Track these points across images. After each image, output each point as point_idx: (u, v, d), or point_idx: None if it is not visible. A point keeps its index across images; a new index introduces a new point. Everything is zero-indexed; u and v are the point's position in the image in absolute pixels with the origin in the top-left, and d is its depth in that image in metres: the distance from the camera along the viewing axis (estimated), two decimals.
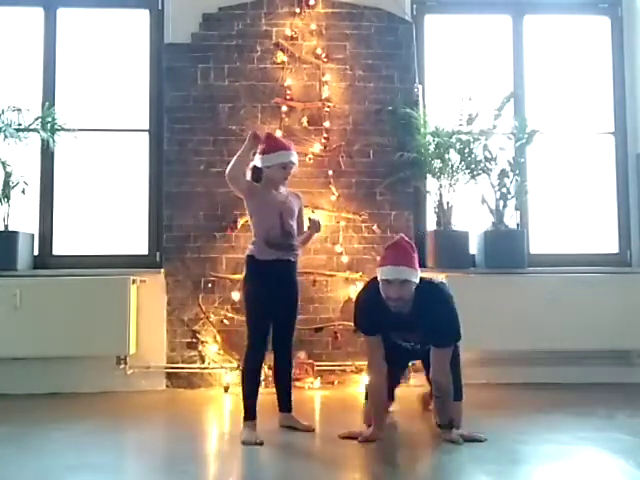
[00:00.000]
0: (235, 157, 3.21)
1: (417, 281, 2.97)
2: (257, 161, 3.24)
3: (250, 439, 3.08)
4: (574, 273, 4.61)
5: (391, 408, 3.53)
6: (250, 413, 3.17)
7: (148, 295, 4.51)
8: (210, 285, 4.51)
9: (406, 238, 3.09)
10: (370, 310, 3.08)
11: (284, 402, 3.33)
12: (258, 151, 3.24)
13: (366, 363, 3.28)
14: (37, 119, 4.49)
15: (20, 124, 4.46)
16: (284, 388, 3.33)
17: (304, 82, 4.70)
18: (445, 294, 3.13)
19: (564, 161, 4.97)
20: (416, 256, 3.02)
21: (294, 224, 3.27)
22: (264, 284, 3.17)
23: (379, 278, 2.99)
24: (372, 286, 3.10)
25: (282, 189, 3.30)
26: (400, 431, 3.43)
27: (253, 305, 3.20)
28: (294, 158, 3.26)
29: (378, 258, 3.35)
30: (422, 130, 4.62)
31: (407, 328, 3.04)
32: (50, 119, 4.51)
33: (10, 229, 4.43)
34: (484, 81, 4.89)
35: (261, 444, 3.05)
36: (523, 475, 2.76)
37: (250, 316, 3.21)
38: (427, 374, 3.29)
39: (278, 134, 4.57)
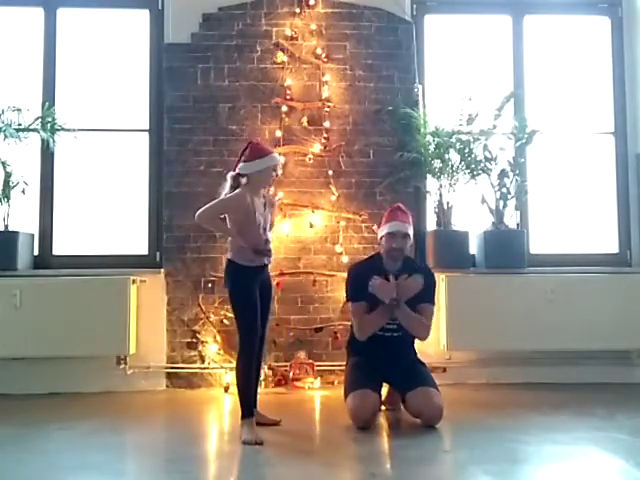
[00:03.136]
0: (218, 225, 3.37)
1: (412, 237, 3.60)
2: (246, 168, 3.27)
3: (250, 439, 3.09)
4: (574, 273, 4.61)
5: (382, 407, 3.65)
6: (248, 410, 3.20)
7: (148, 295, 4.51)
8: (210, 285, 4.50)
9: (403, 205, 3.71)
10: (363, 272, 3.58)
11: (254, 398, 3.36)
12: (244, 159, 3.29)
13: (355, 323, 3.58)
14: (37, 119, 4.49)
15: (20, 124, 4.45)
16: (256, 385, 3.35)
17: (304, 82, 4.70)
18: (430, 269, 3.80)
19: (564, 161, 4.98)
20: (411, 218, 3.65)
21: (268, 231, 3.39)
22: (253, 287, 3.26)
23: (385, 233, 3.54)
24: (365, 258, 3.83)
25: (262, 194, 3.38)
26: (400, 431, 3.43)
27: (245, 308, 3.24)
28: (281, 160, 3.42)
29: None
30: (422, 130, 4.62)
31: None
32: (50, 119, 4.51)
33: (10, 229, 4.43)
34: (484, 81, 4.89)
35: (261, 444, 3.06)
36: (523, 475, 2.76)
37: (242, 318, 3.25)
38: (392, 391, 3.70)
39: (278, 134, 4.59)
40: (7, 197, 4.44)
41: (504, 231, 4.60)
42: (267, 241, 3.32)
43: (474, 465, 2.77)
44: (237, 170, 3.30)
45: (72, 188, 4.76)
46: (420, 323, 3.50)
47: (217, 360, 4.45)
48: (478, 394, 4.26)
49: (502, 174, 4.60)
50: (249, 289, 3.25)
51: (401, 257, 3.56)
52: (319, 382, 4.39)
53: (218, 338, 4.45)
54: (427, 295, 3.57)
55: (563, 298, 4.44)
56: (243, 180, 3.30)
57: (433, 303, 3.61)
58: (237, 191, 3.30)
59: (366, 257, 3.88)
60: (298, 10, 4.71)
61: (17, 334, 4.23)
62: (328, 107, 4.66)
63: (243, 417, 3.19)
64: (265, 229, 3.32)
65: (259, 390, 3.41)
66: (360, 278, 3.57)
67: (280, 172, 3.46)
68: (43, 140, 4.52)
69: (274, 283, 4.47)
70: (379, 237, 3.63)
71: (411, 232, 3.57)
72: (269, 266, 3.41)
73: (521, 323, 4.41)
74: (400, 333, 3.53)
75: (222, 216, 3.35)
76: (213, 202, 3.30)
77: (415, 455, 2.90)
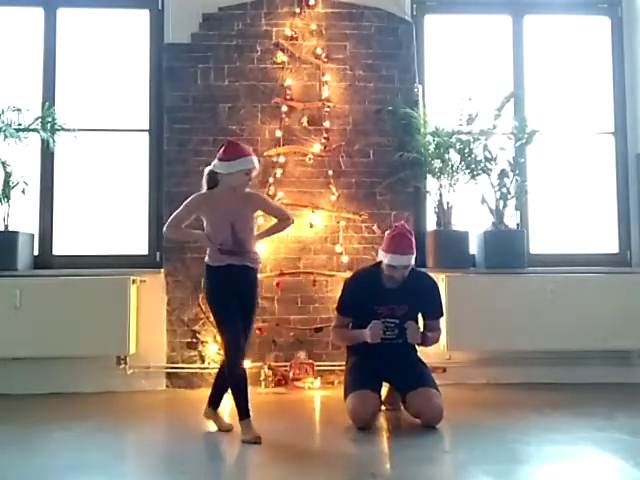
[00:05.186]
0: (183, 233, 3.39)
1: (414, 261, 3.50)
2: (218, 167, 3.26)
3: (249, 437, 3.11)
4: (574, 273, 4.61)
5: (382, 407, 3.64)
6: (244, 412, 3.19)
7: (148, 295, 4.51)
8: None
9: (406, 226, 3.56)
10: (360, 286, 3.56)
11: (217, 399, 3.39)
12: (218, 157, 3.27)
13: (332, 329, 3.75)
14: (37, 119, 4.49)
15: (20, 124, 4.45)
16: (224, 388, 3.37)
17: (304, 82, 4.70)
18: (433, 278, 3.73)
19: (564, 161, 4.98)
20: (414, 241, 3.50)
21: (246, 231, 3.29)
22: (224, 288, 3.22)
23: (385, 262, 3.44)
24: (365, 269, 3.74)
25: (237, 191, 3.31)
26: (400, 431, 3.43)
27: (220, 309, 3.24)
28: (256, 163, 3.31)
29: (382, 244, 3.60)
30: (422, 130, 4.62)
31: (396, 301, 3.48)
32: (50, 119, 4.51)
33: (10, 229, 4.43)
34: (484, 81, 4.89)
35: (259, 441, 3.08)
36: (523, 475, 2.76)
37: (220, 320, 3.25)
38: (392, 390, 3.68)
39: (278, 134, 4.59)
40: (7, 197, 4.44)
41: (504, 231, 4.61)
42: (238, 240, 3.23)
43: (474, 465, 2.77)
44: (211, 166, 3.30)
45: (72, 188, 4.76)
46: (438, 338, 3.66)
47: (217, 360, 4.44)
48: (478, 394, 4.26)
49: (502, 174, 4.60)
50: (221, 289, 3.22)
51: (402, 281, 3.50)
52: (319, 382, 4.39)
53: (218, 338, 4.45)
54: (435, 311, 3.64)
55: (563, 298, 4.44)
56: (218, 177, 3.28)
57: (442, 314, 3.70)
58: (196, 194, 3.33)
59: (368, 266, 3.78)
60: (298, 10, 4.71)
61: (17, 334, 4.22)
62: (328, 107, 4.66)
63: (240, 419, 3.19)
64: (234, 227, 3.22)
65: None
66: (355, 294, 3.57)
67: (254, 175, 3.35)
68: (43, 140, 4.52)
69: (274, 283, 4.51)
70: (379, 257, 3.56)
71: (413, 260, 3.48)
72: (254, 268, 3.31)
73: (521, 323, 4.41)
74: (400, 340, 3.51)
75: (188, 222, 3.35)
76: (172, 215, 3.32)
77: (415, 455, 2.90)
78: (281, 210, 3.52)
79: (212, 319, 4.28)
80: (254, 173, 3.32)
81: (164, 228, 3.36)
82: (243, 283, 3.26)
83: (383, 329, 3.43)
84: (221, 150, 3.27)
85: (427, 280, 3.67)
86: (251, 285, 3.32)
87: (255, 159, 3.29)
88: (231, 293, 3.20)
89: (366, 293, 3.51)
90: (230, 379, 3.21)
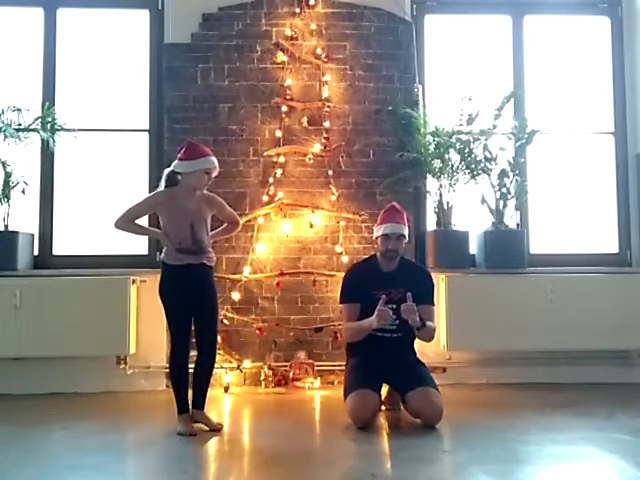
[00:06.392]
0: (137, 228, 3.48)
1: (407, 237, 3.62)
2: (178, 167, 3.32)
3: (185, 431, 3.23)
4: (574, 273, 4.61)
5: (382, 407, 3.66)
6: (182, 407, 3.32)
7: (148, 295, 4.48)
8: None
9: (398, 204, 3.70)
10: (358, 273, 3.65)
11: (199, 400, 3.40)
12: (178, 157, 3.33)
13: (343, 327, 3.68)
14: (37, 119, 4.49)
15: (20, 124, 4.46)
16: (201, 386, 3.42)
17: (304, 82, 4.70)
18: (427, 269, 3.88)
19: (564, 161, 4.98)
20: (406, 217, 3.65)
21: (204, 231, 3.35)
22: (178, 286, 3.30)
23: (380, 234, 3.56)
24: (361, 260, 3.90)
25: (197, 192, 3.37)
26: (400, 431, 3.43)
27: (170, 307, 3.33)
28: (216, 163, 3.36)
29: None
30: (422, 130, 4.62)
31: (393, 285, 3.51)
32: (50, 119, 4.51)
33: (10, 229, 4.43)
34: (484, 81, 4.89)
35: (195, 435, 3.22)
36: (523, 475, 2.76)
37: (169, 317, 3.35)
38: (392, 390, 3.68)
39: (278, 134, 4.59)
40: (7, 197, 4.44)
41: (504, 231, 4.61)
42: (197, 240, 3.29)
43: (474, 465, 2.77)
44: (172, 167, 3.36)
45: (72, 188, 4.76)
46: (434, 330, 3.57)
47: (217, 360, 4.43)
48: (478, 394, 4.26)
49: (502, 174, 4.60)
50: (177, 288, 3.29)
51: (397, 258, 3.60)
52: (319, 382, 4.39)
53: (218, 338, 4.44)
54: (428, 297, 3.62)
55: (563, 298, 4.44)
56: (179, 177, 3.34)
57: (434, 304, 3.68)
58: (157, 191, 3.41)
59: (363, 259, 3.93)
60: (298, 10, 4.71)
61: (17, 334, 4.22)
62: (328, 107, 4.66)
63: (178, 413, 3.32)
64: (194, 227, 3.28)
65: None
66: (355, 280, 3.62)
67: (214, 175, 3.39)
68: (43, 140, 4.52)
69: (274, 283, 4.51)
70: (374, 237, 3.68)
71: (406, 232, 3.61)
72: (210, 265, 3.38)
73: (521, 323, 4.41)
74: (400, 334, 3.53)
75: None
76: (128, 207, 3.39)
77: (415, 455, 2.90)
78: (234, 215, 3.61)
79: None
80: (214, 173, 3.37)
81: (116, 219, 3.37)
82: (201, 281, 3.35)
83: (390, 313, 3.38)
84: (182, 150, 3.33)
85: (421, 269, 3.80)
86: (209, 282, 3.40)
87: (215, 159, 3.35)
88: (187, 292, 3.28)
89: (365, 279, 3.57)
90: (170, 371, 3.39)
